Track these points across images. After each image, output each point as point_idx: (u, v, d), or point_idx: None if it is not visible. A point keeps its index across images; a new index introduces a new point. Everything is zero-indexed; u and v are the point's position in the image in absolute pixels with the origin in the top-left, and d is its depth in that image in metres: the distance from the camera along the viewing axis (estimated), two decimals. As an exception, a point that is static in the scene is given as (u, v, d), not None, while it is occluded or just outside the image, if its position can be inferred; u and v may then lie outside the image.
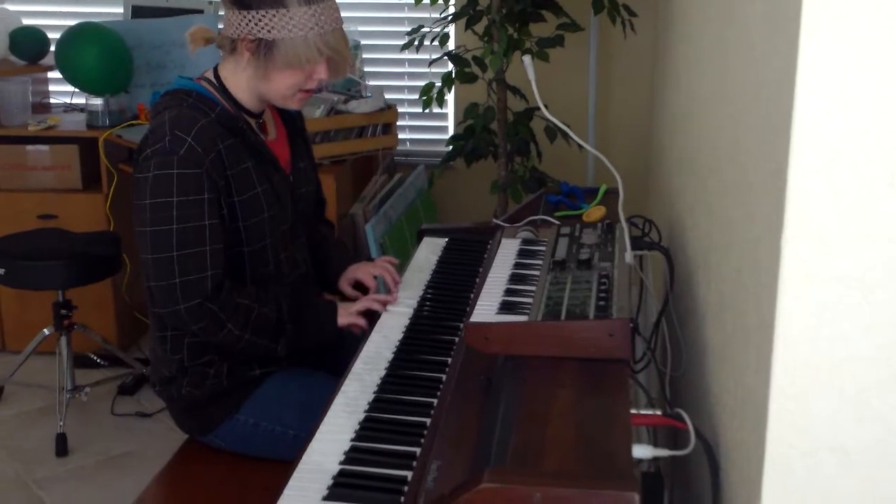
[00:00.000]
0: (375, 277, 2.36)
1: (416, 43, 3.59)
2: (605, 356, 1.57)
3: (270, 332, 2.09)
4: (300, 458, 1.58)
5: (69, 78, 3.83)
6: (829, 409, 1.04)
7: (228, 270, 2.08)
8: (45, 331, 3.55)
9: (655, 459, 1.40)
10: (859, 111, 0.96)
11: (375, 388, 1.79)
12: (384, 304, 2.16)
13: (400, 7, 4.24)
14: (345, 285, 2.40)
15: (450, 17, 3.62)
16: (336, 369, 2.07)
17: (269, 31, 1.99)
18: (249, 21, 1.99)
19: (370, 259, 2.58)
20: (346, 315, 2.18)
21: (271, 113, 2.26)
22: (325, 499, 1.46)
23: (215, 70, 2.14)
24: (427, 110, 3.70)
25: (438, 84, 3.63)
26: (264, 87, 2.08)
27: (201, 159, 1.98)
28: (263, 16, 1.98)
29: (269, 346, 2.10)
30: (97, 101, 3.82)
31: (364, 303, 2.18)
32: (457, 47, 3.78)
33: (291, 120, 2.32)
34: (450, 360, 1.85)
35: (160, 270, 1.99)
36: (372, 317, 2.17)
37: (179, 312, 2.01)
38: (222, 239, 2.04)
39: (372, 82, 4.14)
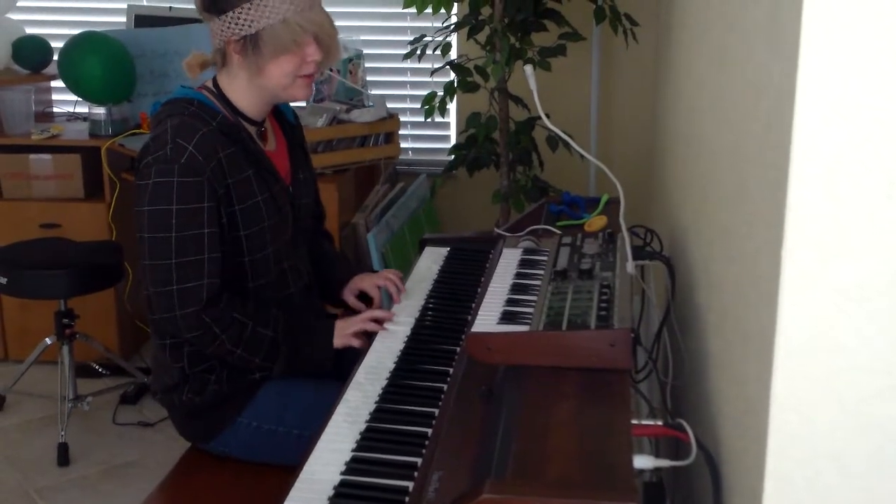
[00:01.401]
0: (379, 288, 2.36)
1: (418, 52, 3.60)
2: (607, 366, 1.56)
3: (264, 352, 2.09)
4: (301, 467, 1.58)
5: (72, 87, 3.84)
6: (828, 419, 1.04)
7: (231, 281, 2.08)
8: (48, 340, 3.56)
9: (657, 469, 1.39)
10: (858, 121, 0.96)
11: (377, 398, 1.80)
12: (381, 322, 2.15)
13: (402, 16, 4.25)
14: (349, 296, 2.41)
15: (452, 27, 3.62)
16: (337, 371, 2.08)
17: (249, 26, 2.00)
18: (229, 23, 2.01)
19: (373, 270, 2.58)
20: (343, 336, 2.17)
21: (271, 123, 2.27)
22: (325, 509, 1.47)
23: (214, 80, 2.15)
24: (429, 119, 3.71)
25: (440, 93, 3.64)
26: (264, 83, 2.09)
27: (202, 168, 1.99)
28: (239, 13, 2.00)
29: (263, 366, 2.11)
30: (100, 110, 3.83)
31: (360, 324, 2.16)
32: (459, 56, 3.79)
33: (291, 130, 2.32)
34: (451, 370, 1.86)
35: (158, 277, 2.00)
36: (371, 334, 2.16)
37: (175, 319, 2.01)
38: (220, 247, 2.05)
39: (374, 91, 4.15)
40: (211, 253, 2.02)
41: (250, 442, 2.17)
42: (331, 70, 3.79)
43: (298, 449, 1.65)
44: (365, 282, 2.39)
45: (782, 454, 1.06)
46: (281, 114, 2.32)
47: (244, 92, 2.12)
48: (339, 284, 2.41)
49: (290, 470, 1.59)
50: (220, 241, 2.05)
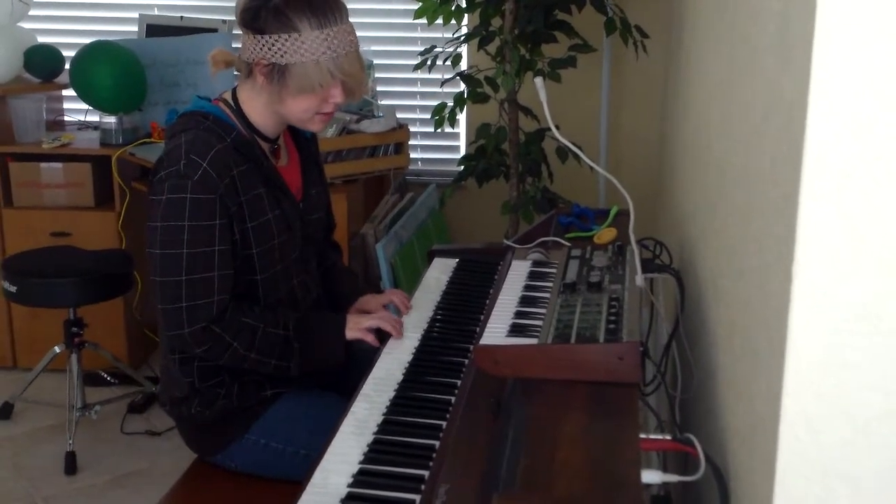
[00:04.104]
0: (386, 306, 2.35)
1: (428, 63, 3.60)
2: (615, 380, 1.56)
3: (278, 352, 2.08)
4: (308, 479, 1.58)
5: (83, 96, 3.85)
6: (838, 437, 1.03)
7: (242, 299, 2.08)
8: (56, 348, 3.57)
9: (665, 484, 1.39)
10: (870, 137, 0.96)
11: (384, 410, 1.79)
12: (395, 326, 2.15)
13: (413, 27, 4.26)
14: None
15: (462, 38, 3.63)
16: (346, 390, 2.07)
17: (281, 56, 1.99)
18: (263, 46, 2.00)
19: (378, 287, 2.58)
20: (355, 329, 2.17)
21: (285, 138, 2.26)
22: (332, 521, 1.46)
23: (234, 92, 2.15)
24: (439, 130, 3.71)
25: (450, 104, 3.64)
26: (281, 111, 2.08)
27: (216, 185, 1.98)
28: (276, 41, 1.98)
29: (279, 366, 2.10)
30: (111, 119, 3.84)
31: (374, 321, 2.17)
32: (469, 67, 3.80)
33: (306, 145, 2.32)
34: (459, 382, 1.85)
35: (168, 293, 2.00)
36: (383, 336, 2.16)
37: (183, 336, 2.01)
38: (232, 264, 2.04)
39: (384, 102, 4.15)
40: (221, 270, 2.02)
41: (257, 458, 2.16)
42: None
43: (305, 469, 1.64)
44: (370, 304, 2.37)
45: (791, 471, 1.06)
46: (296, 128, 2.31)
47: (262, 111, 2.11)
48: (346, 302, 2.41)
49: (296, 483, 1.59)
50: (232, 259, 2.05)
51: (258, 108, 2.11)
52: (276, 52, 1.99)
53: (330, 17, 1.99)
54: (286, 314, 2.13)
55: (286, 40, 1.98)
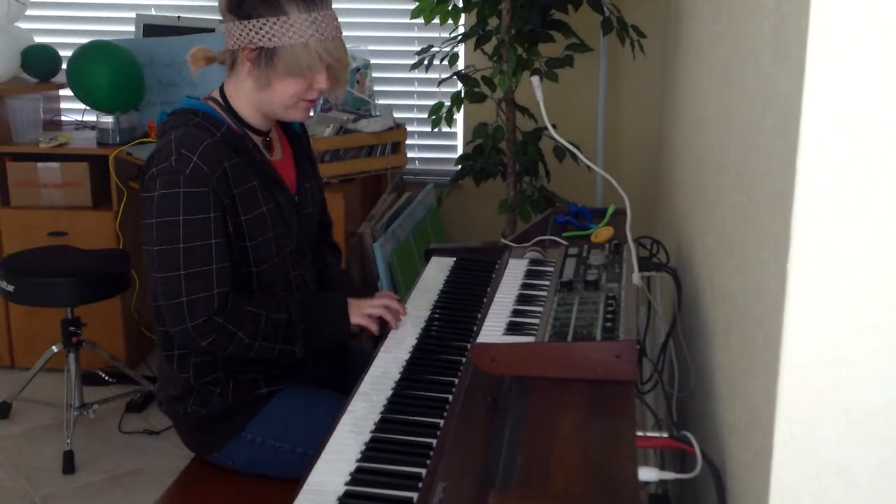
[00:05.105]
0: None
1: (425, 62, 3.60)
2: (612, 378, 1.56)
3: (283, 336, 2.08)
4: (305, 478, 1.58)
5: (80, 96, 3.85)
6: (834, 432, 1.03)
7: (238, 291, 2.08)
8: (54, 348, 3.57)
9: (662, 482, 1.39)
10: (865, 134, 0.96)
11: (382, 409, 1.80)
12: (395, 316, 2.16)
13: (410, 27, 4.26)
14: None
15: (459, 37, 3.63)
16: (343, 387, 2.07)
17: (269, 39, 2.00)
18: (250, 30, 2.01)
19: (375, 286, 2.57)
20: (359, 315, 2.18)
21: (277, 133, 2.27)
22: (330, 519, 1.46)
23: (221, 89, 2.15)
24: (436, 129, 3.71)
25: (447, 103, 3.64)
26: (266, 97, 2.09)
27: (207, 178, 1.99)
28: (264, 24, 2.00)
29: (284, 350, 2.09)
30: (108, 119, 3.85)
31: (378, 310, 2.18)
32: (466, 67, 3.80)
33: (298, 140, 2.32)
34: (457, 380, 1.86)
35: (168, 289, 2.00)
36: (384, 326, 2.17)
37: (188, 330, 2.01)
38: (229, 257, 2.05)
39: (381, 101, 4.15)
40: (219, 263, 2.02)
41: (254, 456, 2.16)
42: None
43: (302, 466, 1.64)
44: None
45: (788, 467, 1.06)
46: (287, 123, 2.32)
47: (249, 101, 2.12)
48: None
49: (294, 481, 1.59)
50: (229, 251, 2.05)
51: (245, 98, 2.12)
52: (263, 36, 2.00)
53: (317, 1, 2.03)
54: (286, 298, 2.13)
55: (274, 23, 1.99)
